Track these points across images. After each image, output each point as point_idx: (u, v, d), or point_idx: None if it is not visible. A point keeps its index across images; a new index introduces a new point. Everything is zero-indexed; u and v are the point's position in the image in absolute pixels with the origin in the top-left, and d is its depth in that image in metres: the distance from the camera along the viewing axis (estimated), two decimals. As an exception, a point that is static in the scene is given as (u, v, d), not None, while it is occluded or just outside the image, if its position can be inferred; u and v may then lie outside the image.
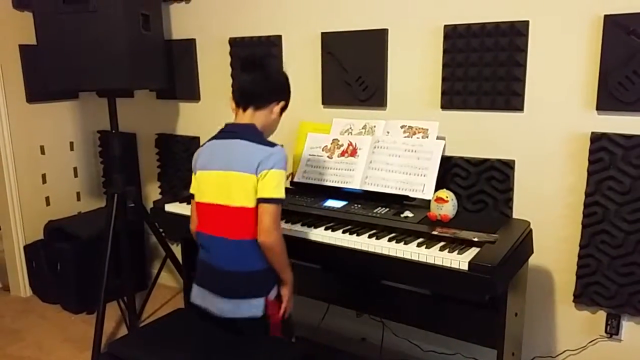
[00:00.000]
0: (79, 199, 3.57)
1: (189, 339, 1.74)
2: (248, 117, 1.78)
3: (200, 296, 1.80)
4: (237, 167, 1.69)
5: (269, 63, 1.89)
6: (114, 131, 2.69)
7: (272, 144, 1.71)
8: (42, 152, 3.33)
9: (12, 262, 3.27)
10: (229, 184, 1.70)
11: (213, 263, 1.75)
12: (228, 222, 1.71)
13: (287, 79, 1.87)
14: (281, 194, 1.67)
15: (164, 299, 3.14)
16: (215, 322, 1.75)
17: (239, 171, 1.68)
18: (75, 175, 3.55)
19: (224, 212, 1.71)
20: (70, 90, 3.29)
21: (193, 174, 1.83)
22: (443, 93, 2.18)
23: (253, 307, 1.71)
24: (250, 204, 1.67)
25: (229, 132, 1.79)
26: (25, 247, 3.24)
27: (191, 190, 1.85)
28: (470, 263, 1.57)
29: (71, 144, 3.50)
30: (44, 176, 3.36)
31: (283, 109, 1.85)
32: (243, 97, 1.79)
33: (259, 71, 1.80)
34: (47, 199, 3.38)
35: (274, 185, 1.66)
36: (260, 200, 1.66)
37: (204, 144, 1.84)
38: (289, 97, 1.87)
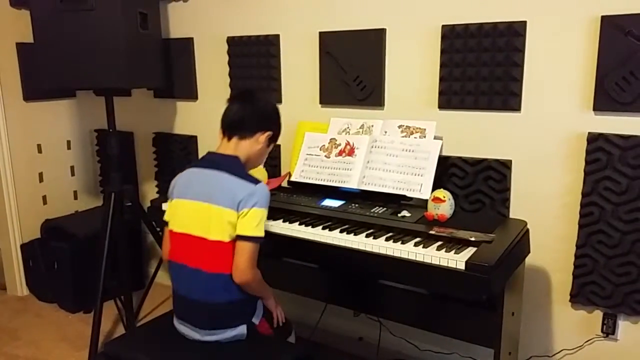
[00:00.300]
0: (76, 198, 3.56)
1: (187, 339, 1.73)
2: (232, 146, 1.75)
3: (181, 327, 1.76)
4: (217, 200, 1.64)
5: (260, 95, 1.87)
6: (111, 130, 2.69)
7: (255, 180, 1.67)
8: (39, 151, 3.32)
9: (9, 261, 3.26)
10: (208, 217, 1.65)
11: (190, 295, 1.70)
12: (204, 255, 1.66)
13: (276, 110, 1.86)
14: (261, 233, 1.65)
15: (161, 298, 3.14)
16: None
17: (220, 205, 1.63)
18: (73, 174, 3.54)
19: (200, 244, 1.66)
20: (67, 88, 3.28)
21: (169, 200, 1.79)
22: (440, 93, 2.18)
23: (236, 333, 1.70)
24: (227, 238, 1.63)
25: (211, 161, 1.74)
26: (22, 246, 3.24)
27: (165, 217, 1.80)
28: (467, 263, 1.57)
29: (68, 142, 3.49)
30: (41, 175, 3.35)
31: (271, 139, 1.82)
32: (229, 126, 1.76)
33: (247, 102, 1.79)
34: (44, 197, 3.38)
35: (255, 224, 1.63)
36: (240, 238, 1.63)
37: (186, 169, 1.79)
38: (277, 129, 1.85)
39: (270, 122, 1.82)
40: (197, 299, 1.69)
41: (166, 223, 1.80)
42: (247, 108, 1.78)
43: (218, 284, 1.66)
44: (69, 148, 3.50)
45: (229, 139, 1.76)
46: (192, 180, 1.74)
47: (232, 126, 1.76)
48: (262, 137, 1.78)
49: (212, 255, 1.66)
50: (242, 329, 1.71)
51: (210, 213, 1.65)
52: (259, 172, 2.43)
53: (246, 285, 1.68)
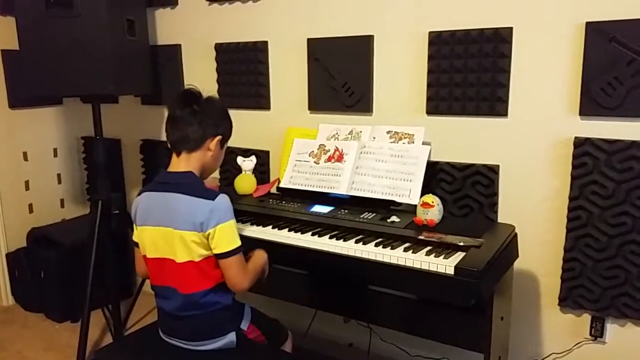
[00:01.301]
0: (62, 206, 3.53)
1: (175, 348, 1.72)
2: (184, 162, 1.69)
3: (167, 340, 1.75)
4: (178, 224, 1.61)
5: (200, 98, 1.71)
6: (98, 137, 2.67)
7: (213, 195, 1.61)
8: (25, 159, 3.29)
9: (-6, 270, 3.22)
10: (172, 241, 1.62)
11: (174, 311, 1.68)
12: (177, 277, 1.65)
13: (221, 110, 1.76)
14: (237, 243, 1.63)
15: (148, 307, 3.10)
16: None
17: (181, 229, 1.60)
18: (59, 182, 3.51)
19: (171, 266, 1.64)
20: (53, 96, 3.26)
21: (134, 224, 1.75)
22: (428, 99, 2.19)
23: (225, 341, 1.69)
24: (197, 258, 1.62)
25: (166, 183, 1.68)
26: (7, 255, 3.19)
27: (134, 239, 1.77)
28: (456, 267, 1.58)
29: (55, 150, 3.46)
30: (27, 183, 3.31)
31: (222, 141, 1.74)
32: (174, 143, 1.69)
33: (187, 109, 1.67)
34: (30, 206, 3.34)
35: (228, 239, 1.61)
36: (219, 257, 1.62)
37: (141, 192, 1.75)
38: (226, 130, 1.77)
39: (217, 126, 1.72)
40: (180, 316, 1.68)
41: (136, 244, 1.78)
42: (188, 118, 1.67)
43: (198, 300, 1.65)
44: (55, 156, 3.46)
45: (178, 154, 1.70)
46: (151, 205, 1.69)
47: (177, 143, 1.69)
48: (212, 144, 1.71)
49: (184, 277, 1.64)
50: (231, 337, 1.70)
51: (173, 236, 1.62)
52: (248, 179, 2.43)
53: (245, 290, 1.70)
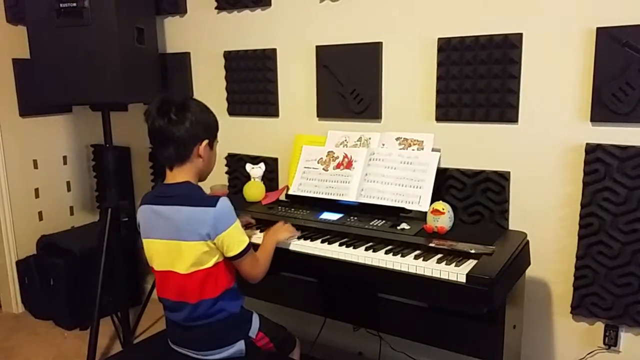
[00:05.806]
0: (72, 214, 3.54)
1: (185, 356, 1.71)
2: (178, 173, 1.68)
3: (177, 349, 1.75)
4: (184, 236, 1.61)
5: (175, 108, 1.64)
6: (107, 145, 2.68)
7: (214, 201, 1.60)
8: (35, 167, 3.31)
9: (4, 278, 3.23)
10: (178, 253, 1.63)
11: (182, 321, 1.69)
12: (184, 288, 1.65)
13: (199, 110, 1.68)
14: (246, 242, 1.66)
15: (158, 314, 3.10)
16: None
17: (186, 240, 1.61)
18: (69, 190, 3.52)
19: (178, 278, 1.65)
20: (63, 103, 3.27)
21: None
22: (438, 105, 2.18)
23: (235, 350, 1.69)
24: (203, 265, 1.62)
25: (163, 197, 1.67)
26: (17, 263, 3.21)
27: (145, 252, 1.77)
28: (468, 275, 1.56)
29: (64, 158, 3.48)
30: (36, 190, 3.33)
31: (210, 143, 1.71)
32: (162, 162, 1.70)
33: (164, 118, 1.62)
34: (40, 213, 3.35)
35: (237, 241, 1.63)
36: (232, 259, 1.65)
37: (141, 203, 1.73)
38: (211, 128, 1.73)
39: (201, 130, 1.67)
40: (189, 326, 1.68)
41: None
42: (168, 131, 1.63)
43: (207, 310, 1.66)
44: (65, 163, 3.48)
45: (171, 169, 1.69)
46: (151, 219, 1.69)
47: (166, 160, 1.68)
48: (200, 150, 1.67)
49: (191, 287, 1.64)
50: (240, 345, 1.69)
51: (180, 248, 1.62)
52: (257, 186, 2.43)
53: (261, 279, 1.74)
